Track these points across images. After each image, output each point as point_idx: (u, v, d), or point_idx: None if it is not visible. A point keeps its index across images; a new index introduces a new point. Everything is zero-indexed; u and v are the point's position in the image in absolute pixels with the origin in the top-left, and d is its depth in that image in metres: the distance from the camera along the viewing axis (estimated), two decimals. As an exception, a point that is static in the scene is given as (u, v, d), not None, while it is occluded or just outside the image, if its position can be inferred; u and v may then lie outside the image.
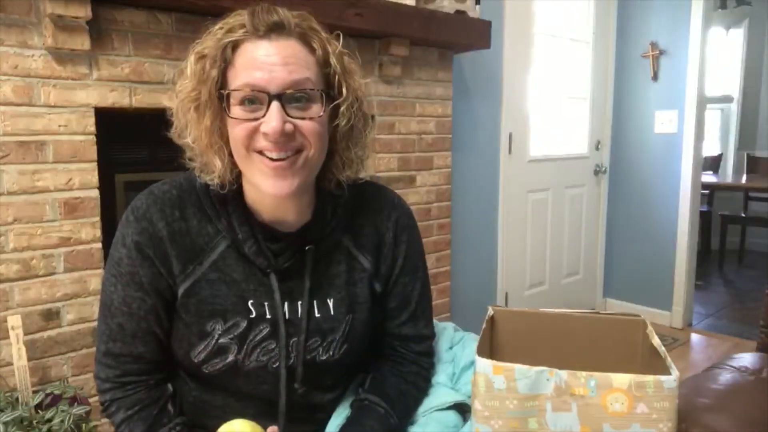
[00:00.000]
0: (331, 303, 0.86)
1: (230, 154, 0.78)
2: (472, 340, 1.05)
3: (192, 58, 0.77)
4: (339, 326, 0.86)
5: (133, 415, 0.83)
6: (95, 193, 1.49)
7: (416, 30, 2.01)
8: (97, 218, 1.49)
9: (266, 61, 0.73)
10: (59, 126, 1.41)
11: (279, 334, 0.83)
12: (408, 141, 2.24)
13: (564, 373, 0.78)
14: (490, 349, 0.98)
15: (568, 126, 3.22)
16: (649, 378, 0.76)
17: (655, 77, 3.16)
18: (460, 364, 1.01)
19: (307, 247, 0.84)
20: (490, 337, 0.97)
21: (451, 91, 2.37)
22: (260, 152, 0.75)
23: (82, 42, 1.39)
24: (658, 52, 3.13)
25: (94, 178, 1.48)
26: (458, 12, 2.16)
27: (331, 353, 0.86)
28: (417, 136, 2.27)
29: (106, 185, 1.57)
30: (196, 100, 0.76)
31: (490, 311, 1.03)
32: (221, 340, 0.81)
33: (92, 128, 1.46)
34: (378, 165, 2.14)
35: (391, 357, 0.96)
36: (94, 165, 1.48)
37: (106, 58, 1.47)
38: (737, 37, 5.27)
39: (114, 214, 1.66)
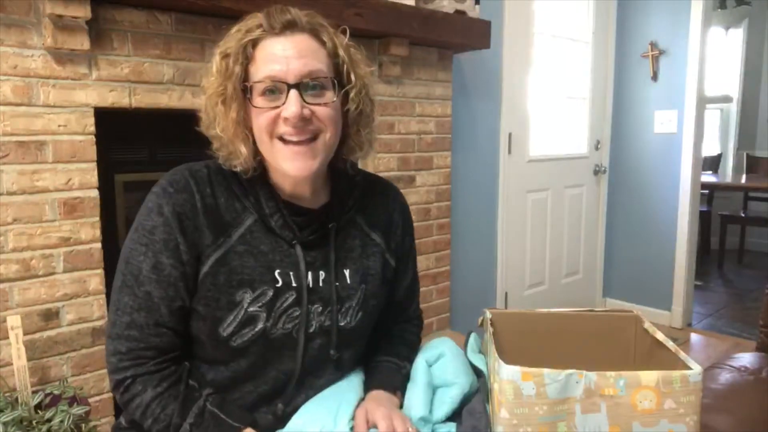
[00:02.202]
0: (347, 273, 0.93)
1: (254, 142, 0.86)
2: (451, 359, 1.00)
3: (217, 58, 0.84)
4: (354, 294, 0.93)
5: (164, 393, 0.83)
6: (95, 193, 1.49)
7: (416, 30, 2.01)
8: (97, 218, 1.49)
9: (283, 54, 0.82)
10: (59, 126, 1.41)
11: (302, 301, 0.88)
12: (408, 141, 2.24)
13: (593, 375, 0.78)
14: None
15: (568, 126, 3.22)
16: (676, 373, 0.77)
17: (655, 77, 3.16)
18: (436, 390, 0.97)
19: (330, 225, 0.92)
20: (494, 341, 0.97)
21: (451, 91, 2.37)
22: (281, 138, 0.83)
23: (81, 42, 1.39)
24: (657, 52, 3.13)
25: (93, 178, 1.48)
26: (458, 12, 2.16)
27: (348, 320, 0.93)
28: (417, 136, 2.27)
29: (105, 185, 1.57)
30: (222, 95, 0.83)
31: (488, 314, 1.03)
32: (250, 309, 0.86)
33: (92, 128, 1.46)
34: (378, 165, 2.14)
35: (381, 337, 1.06)
36: (94, 165, 1.48)
37: (105, 58, 1.47)
38: (737, 37, 5.28)
39: (114, 215, 1.66)
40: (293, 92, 0.81)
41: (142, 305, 0.84)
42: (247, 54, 0.83)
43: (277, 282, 0.87)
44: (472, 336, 1.10)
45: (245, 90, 0.83)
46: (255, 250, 0.87)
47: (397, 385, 0.96)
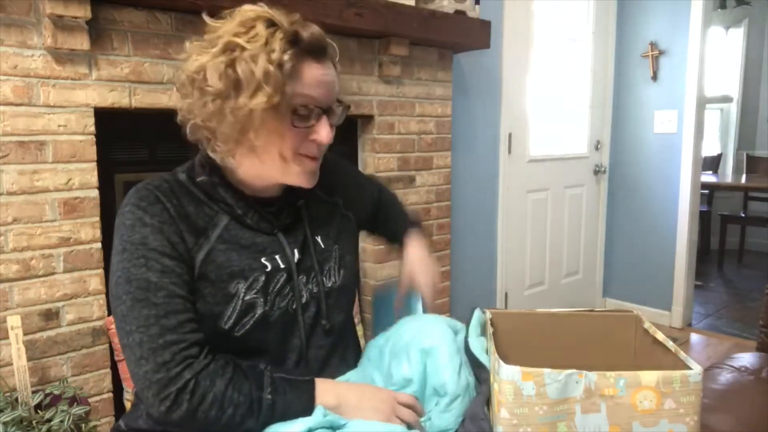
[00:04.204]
0: (319, 239, 1.00)
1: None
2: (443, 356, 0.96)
3: (270, 67, 0.81)
4: (330, 255, 1.00)
5: (232, 377, 0.82)
6: (95, 193, 1.49)
7: (416, 30, 2.01)
8: (97, 218, 1.49)
9: (324, 80, 0.86)
10: (59, 126, 1.41)
11: (293, 278, 0.93)
12: (408, 141, 2.24)
13: (593, 375, 0.78)
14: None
15: (568, 126, 3.22)
16: (676, 373, 0.77)
17: (655, 77, 3.16)
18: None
19: (299, 203, 0.98)
20: (494, 341, 0.96)
21: (451, 91, 2.37)
22: (303, 155, 0.88)
23: (81, 42, 1.39)
24: (657, 52, 3.13)
25: (93, 178, 1.48)
26: (458, 12, 2.16)
27: (334, 279, 0.99)
28: (417, 136, 2.27)
29: (105, 185, 1.56)
30: (269, 104, 0.81)
31: (488, 314, 1.02)
32: (247, 297, 0.88)
33: (92, 128, 1.46)
34: (378, 165, 2.14)
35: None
36: (94, 165, 1.48)
37: (105, 58, 1.47)
38: (737, 37, 5.28)
39: (114, 214, 1.65)
40: (325, 118, 0.87)
41: (167, 309, 0.82)
42: (294, 71, 0.82)
43: (266, 267, 0.90)
44: (476, 314, 1.03)
45: (286, 108, 0.83)
46: (235, 246, 0.90)
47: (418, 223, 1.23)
